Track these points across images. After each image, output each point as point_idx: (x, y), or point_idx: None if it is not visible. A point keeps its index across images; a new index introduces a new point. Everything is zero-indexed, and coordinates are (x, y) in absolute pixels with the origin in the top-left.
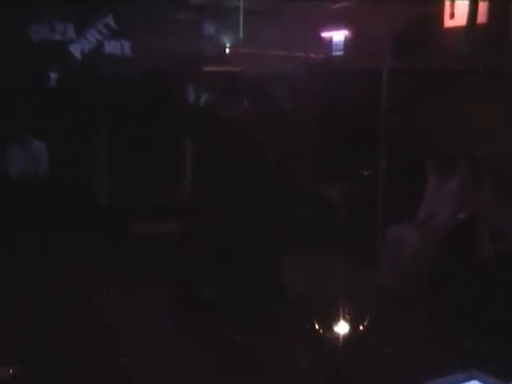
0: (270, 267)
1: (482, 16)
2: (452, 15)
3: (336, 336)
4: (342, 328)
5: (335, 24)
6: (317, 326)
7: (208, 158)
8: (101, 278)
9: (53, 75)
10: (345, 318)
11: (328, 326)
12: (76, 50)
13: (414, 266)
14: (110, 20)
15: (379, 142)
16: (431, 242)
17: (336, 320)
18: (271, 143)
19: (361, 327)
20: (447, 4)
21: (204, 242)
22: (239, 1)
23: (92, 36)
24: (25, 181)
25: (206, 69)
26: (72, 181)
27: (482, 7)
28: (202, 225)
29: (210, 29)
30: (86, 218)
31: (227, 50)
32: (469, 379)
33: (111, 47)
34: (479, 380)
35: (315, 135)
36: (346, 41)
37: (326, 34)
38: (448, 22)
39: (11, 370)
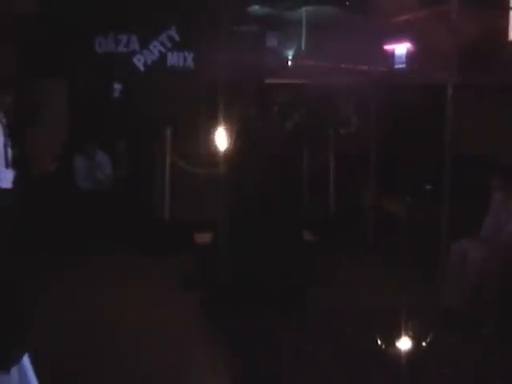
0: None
1: None
2: None
3: (398, 353)
4: (403, 345)
5: (398, 37)
6: (379, 343)
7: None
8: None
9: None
10: (406, 335)
11: (390, 342)
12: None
13: (480, 282)
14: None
15: (444, 156)
16: (497, 258)
17: (397, 336)
18: (333, 156)
19: (423, 345)
20: None
21: None
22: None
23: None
24: None
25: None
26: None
27: None
28: None
29: (272, 41)
30: None
31: (289, 63)
32: None
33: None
34: None
35: (378, 148)
36: (409, 54)
37: (388, 47)
38: None
39: None
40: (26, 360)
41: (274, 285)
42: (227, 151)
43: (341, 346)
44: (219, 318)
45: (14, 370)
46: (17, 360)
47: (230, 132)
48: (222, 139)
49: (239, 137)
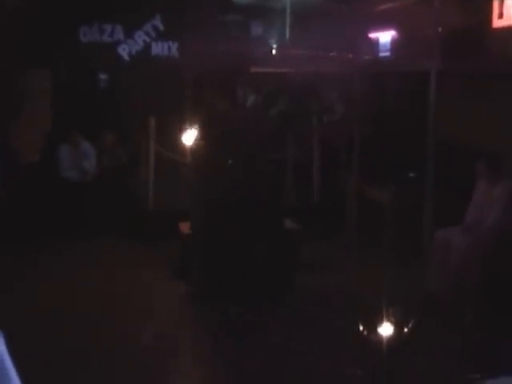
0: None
1: None
2: (501, 15)
3: (380, 339)
4: (385, 331)
5: (382, 25)
6: (361, 329)
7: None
8: None
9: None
10: (388, 321)
11: (373, 328)
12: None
13: (462, 269)
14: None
15: (427, 144)
16: (480, 245)
17: (380, 323)
18: (316, 144)
19: (405, 331)
20: (496, 4)
21: None
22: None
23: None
24: None
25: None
26: None
27: None
28: None
29: (257, 30)
30: None
31: (274, 51)
32: None
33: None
34: None
35: (362, 136)
36: (393, 42)
37: (373, 35)
38: (497, 22)
39: None
40: (2, 349)
41: (254, 275)
42: (199, 141)
43: (325, 334)
44: (203, 308)
45: None
46: None
47: (202, 122)
48: (194, 130)
49: (207, 126)
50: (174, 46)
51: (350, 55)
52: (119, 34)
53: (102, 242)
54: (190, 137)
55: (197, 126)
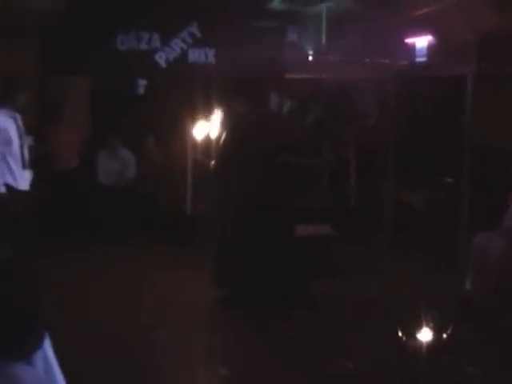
0: None
1: None
2: None
3: (419, 344)
4: (424, 336)
5: (419, 29)
6: (400, 334)
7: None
8: None
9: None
10: (426, 326)
11: (410, 333)
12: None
13: (500, 273)
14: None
15: (463, 148)
16: None
17: (417, 328)
18: (352, 149)
19: (442, 337)
20: None
21: None
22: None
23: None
24: None
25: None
26: None
27: None
28: None
29: (293, 36)
30: None
31: (309, 57)
32: None
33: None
34: None
35: (398, 141)
36: (430, 46)
37: (409, 40)
38: None
39: None
40: (48, 347)
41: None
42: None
43: (361, 338)
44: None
45: (39, 361)
46: (36, 346)
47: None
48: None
49: (227, 132)
50: (211, 53)
51: (386, 60)
52: (156, 41)
53: (140, 245)
54: (217, 140)
55: (223, 130)
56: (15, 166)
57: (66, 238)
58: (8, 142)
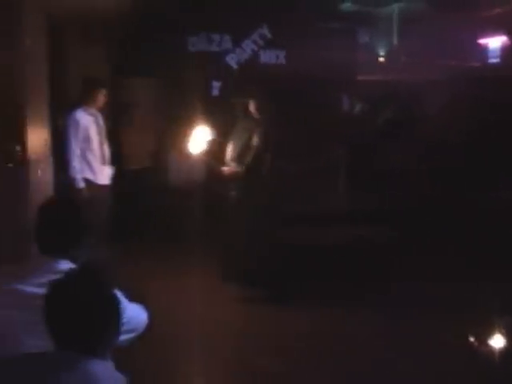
0: None
1: None
2: None
3: (491, 351)
4: (497, 342)
5: (492, 30)
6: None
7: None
8: None
9: None
10: (501, 333)
11: (482, 339)
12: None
13: None
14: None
15: None
16: None
17: (491, 334)
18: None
19: None
20: None
21: None
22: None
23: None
24: None
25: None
26: None
27: None
28: None
29: (364, 38)
30: None
31: (381, 59)
32: None
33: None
34: None
35: (469, 143)
36: (504, 47)
37: (482, 41)
38: None
39: None
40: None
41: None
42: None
43: (431, 346)
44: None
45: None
46: (111, 344)
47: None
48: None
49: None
50: (282, 54)
51: (458, 62)
52: (227, 43)
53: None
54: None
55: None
56: (95, 162)
57: (135, 237)
58: (87, 139)
